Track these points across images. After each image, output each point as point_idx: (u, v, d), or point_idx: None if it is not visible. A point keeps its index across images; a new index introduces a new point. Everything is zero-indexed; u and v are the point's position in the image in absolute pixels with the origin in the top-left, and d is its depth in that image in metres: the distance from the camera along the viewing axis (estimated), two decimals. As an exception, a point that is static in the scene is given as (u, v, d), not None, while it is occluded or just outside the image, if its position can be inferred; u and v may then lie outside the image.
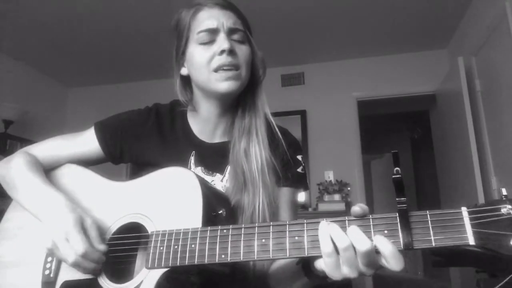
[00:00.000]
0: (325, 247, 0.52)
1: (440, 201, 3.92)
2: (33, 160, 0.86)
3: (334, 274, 0.53)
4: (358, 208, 0.53)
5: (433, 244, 0.48)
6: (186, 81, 0.89)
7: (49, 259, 0.77)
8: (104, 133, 0.89)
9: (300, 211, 3.17)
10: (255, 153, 0.82)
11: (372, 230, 0.52)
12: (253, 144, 0.83)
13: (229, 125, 0.89)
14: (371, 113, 4.34)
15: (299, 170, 0.90)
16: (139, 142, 0.89)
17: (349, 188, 3.52)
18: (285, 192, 0.87)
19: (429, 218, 0.50)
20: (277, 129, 0.88)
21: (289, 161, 0.88)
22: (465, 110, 2.77)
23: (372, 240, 0.50)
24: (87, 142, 0.90)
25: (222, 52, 0.77)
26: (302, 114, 3.79)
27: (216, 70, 0.79)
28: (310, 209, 3.43)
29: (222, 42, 0.78)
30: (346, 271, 0.52)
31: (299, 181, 0.89)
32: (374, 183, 6.35)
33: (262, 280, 0.80)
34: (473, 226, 0.48)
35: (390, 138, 6.46)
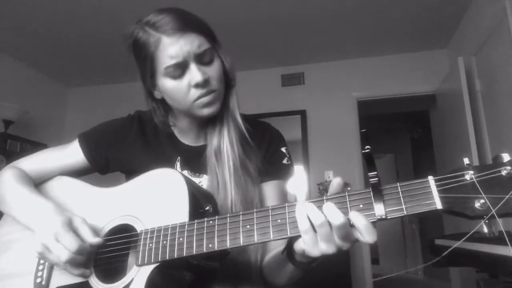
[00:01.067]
0: (302, 225, 0.55)
1: (440, 201, 3.91)
2: (22, 173, 0.87)
3: (313, 251, 0.56)
4: (336, 185, 0.58)
5: (405, 212, 0.52)
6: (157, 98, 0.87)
7: (40, 267, 0.78)
8: (89, 144, 0.90)
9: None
10: (226, 153, 0.82)
11: (348, 206, 0.55)
12: (224, 145, 0.83)
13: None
14: (371, 113, 4.34)
15: (284, 161, 0.91)
16: (123, 150, 0.90)
17: (349, 188, 3.50)
18: (272, 186, 0.88)
19: (399, 190, 0.53)
20: (244, 130, 0.85)
21: (273, 155, 0.89)
22: (465, 110, 2.77)
23: (347, 216, 0.53)
24: (73, 154, 0.91)
25: (197, 85, 0.75)
26: (302, 114, 3.79)
27: (195, 101, 0.78)
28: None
29: (194, 75, 0.74)
30: (323, 247, 0.55)
31: (286, 173, 0.90)
32: (374, 183, 6.34)
33: (256, 274, 0.80)
34: (439, 192, 0.51)
35: (390, 138, 6.46)
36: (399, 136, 6.56)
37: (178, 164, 0.88)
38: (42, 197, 0.80)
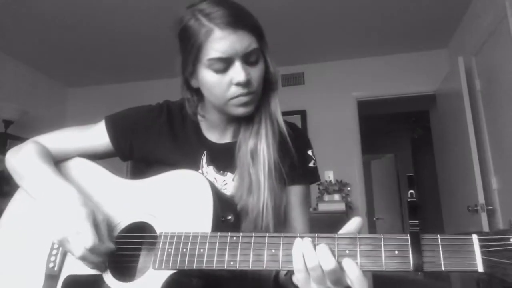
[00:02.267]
0: (296, 264, 0.55)
1: (440, 201, 3.92)
2: (44, 150, 0.85)
3: None
4: (354, 225, 0.56)
5: (443, 268, 0.49)
6: (194, 89, 0.86)
7: (54, 252, 0.76)
8: (115, 128, 0.88)
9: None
10: (262, 155, 0.81)
11: (382, 249, 0.53)
12: (261, 147, 0.82)
13: (238, 126, 0.88)
14: (371, 113, 4.35)
15: (311, 165, 0.91)
16: (150, 138, 0.87)
17: (349, 188, 3.52)
18: (297, 190, 0.87)
19: (439, 242, 0.51)
20: (286, 134, 0.85)
21: (300, 158, 0.88)
22: (465, 110, 2.77)
23: (382, 262, 0.52)
24: (98, 136, 0.89)
25: (238, 84, 0.75)
26: (302, 114, 3.79)
27: (232, 98, 0.77)
28: (310, 209, 3.43)
29: (238, 73, 0.74)
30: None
31: (311, 176, 0.91)
32: (374, 183, 6.36)
33: (264, 281, 0.80)
34: (483, 253, 0.48)
35: (390, 138, 6.47)
36: (399, 136, 6.56)
37: (204, 159, 0.86)
38: (65, 180, 0.77)
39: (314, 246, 0.55)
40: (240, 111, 0.79)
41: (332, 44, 3.58)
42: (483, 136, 2.78)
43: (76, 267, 0.72)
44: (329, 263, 0.52)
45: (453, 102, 3.08)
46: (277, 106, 0.86)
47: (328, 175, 3.59)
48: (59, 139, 0.89)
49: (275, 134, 0.84)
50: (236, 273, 0.73)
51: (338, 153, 3.64)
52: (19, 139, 3.44)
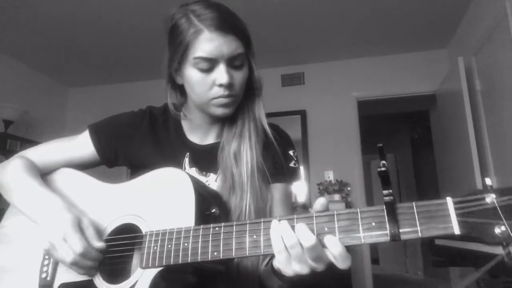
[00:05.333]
0: (276, 245, 0.55)
1: (440, 201, 3.91)
2: (30, 163, 0.86)
3: (286, 270, 0.56)
4: (318, 205, 0.57)
5: (420, 235, 0.49)
6: (178, 86, 0.89)
7: (46, 262, 0.77)
8: (99, 136, 0.89)
9: (300, 211, 3.17)
10: (245, 156, 0.82)
11: (360, 223, 0.53)
12: (244, 148, 0.83)
13: (221, 128, 0.90)
14: (371, 113, 4.35)
15: (291, 164, 0.91)
16: (133, 144, 0.89)
17: (349, 188, 3.52)
18: (278, 188, 0.88)
19: (415, 210, 0.51)
20: (271, 136, 0.87)
21: (281, 157, 0.90)
22: (465, 110, 2.77)
23: (358, 235, 0.52)
24: (82, 145, 0.90)
25: (221, 85, 0.77)
26: (302, 114, 3.79)
27: (214, 98, 0.80)
28: (310, 209, 3.43)
29: (221, 75, 0.76)
30: (296, 267, 0.55)
31: (292, 176, 0.91)
32: (374, 183, 6.35)
33: (252, 276, 0.80)
34: (458, 215, 0.48)
35: (390, 138, 6.47)
36: (399, 136, 6.56)
37: (186, 160, 0.88)
38: (50, 191, 0.79)
39: (292, 226, 0.55)
40: (220, 111, 0.82)
41: (332, 44, 3.58)
42: (483, 136, 2.78)
43: (67, 275, 0.74)
44: (309, 240, 0.53)
45: (453, 102, 3.08)
46: (261, 109, 0.88)
47: (328, 175, 3.59)
48: (45, 152, 0.91)
49: (258, 136, 0.85)
50: (233, 267, 0.74)
51: (338, 153, 3.65)
52: (19, 139, 3.44)
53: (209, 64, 0.76)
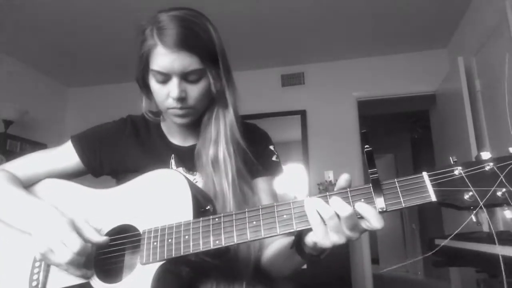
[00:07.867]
0: (313, 220, 0.59)
1: (440, 201, 3.91)
2: (11, 176, 0.85)
3: (325, 242, 0.59)
4: (343, 181, 0.60)
5: (403, 205, 0.56)
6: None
7: (36, 270, 0.76)
8: (83, 146, 0.90)
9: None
10: (224, 164, 0.83)
11: (350, 200, 0.59)
12: (221, 155, 0.84)
13: (198, 130, 0.91)
14: (371, 113, 4.34)
15: (274, 158, 0.94)
16: (118, 150, 0.90)
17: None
18: (262, 182, 0.90)
19: (397, 184, 0.58)
20: (240, 138, 0.87)
21: (262, 153, 0.91)
22: (465, 110, 2.77)
23: (353, 207, 0.57)
24: (66, 155, 0.90)
25: (173, 98, 0.79)
26: (302, 114, 3.79)
27: (169, 109, 0.82)
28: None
29: (172, 89, 0.79)
30: (334, 238, 0.58)
31: (275, 169, 0.93)
32: (374, 183, 6.34)
33: (254, 269, 0.81)
34: (433, 185, 0.56)
35: (390, 138, 6.46)
36: (399, 136, 6.56)
37: (172, 161, 0.89)
38: (38, 199, 0.79)
39: (326, 201, 0.59)
40: (177, 121, 0.85)
41: (332, 44, 3.58)
42: (483, 136, 2.78)
43: (61, 280, 0.73)
44: (346, 209, 0.56)
45: (453, 102, 3.08)
46: (232, 119, 0.87)
47: (328, 175, 3.59)
48: (27, 164, 0.90)
49: (234, 142, 0.86)
50: (229, 260, 0.76)
51: (338, 153, 3.64)
52: (19, 139, 3.44)
53: (164, 77, 0.79)
